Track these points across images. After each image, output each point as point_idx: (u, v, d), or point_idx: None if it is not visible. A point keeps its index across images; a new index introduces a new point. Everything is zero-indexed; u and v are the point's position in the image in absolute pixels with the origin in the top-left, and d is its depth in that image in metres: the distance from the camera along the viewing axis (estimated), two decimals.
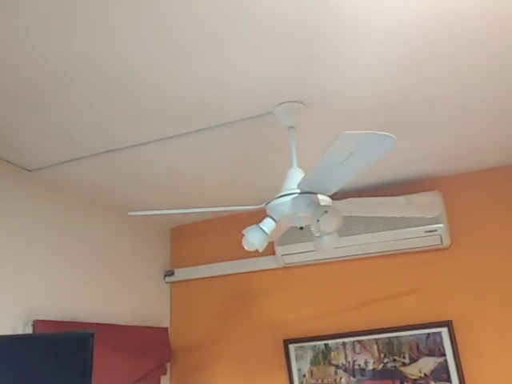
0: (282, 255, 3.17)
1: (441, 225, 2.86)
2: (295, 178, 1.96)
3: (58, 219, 2.75)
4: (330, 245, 2.02)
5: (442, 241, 2.91)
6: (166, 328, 3.41)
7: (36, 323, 2.34)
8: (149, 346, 3.14)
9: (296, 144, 2.06)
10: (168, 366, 3.36)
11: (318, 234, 2.03)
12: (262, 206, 1.96)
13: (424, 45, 1.76)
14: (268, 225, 1.93)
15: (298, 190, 1.86)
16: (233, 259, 3.44)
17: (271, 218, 1.95)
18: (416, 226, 2.89)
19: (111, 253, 3.10)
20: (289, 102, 2.06)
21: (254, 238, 1.91)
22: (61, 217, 2.77)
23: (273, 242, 3.13)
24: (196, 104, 2.03)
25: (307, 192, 1.85)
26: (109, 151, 2.44)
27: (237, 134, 2.29)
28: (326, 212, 1.75)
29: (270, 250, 3.18)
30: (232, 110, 2.10)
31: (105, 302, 2.96)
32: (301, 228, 1.97)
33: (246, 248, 1.96)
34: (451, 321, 2.83)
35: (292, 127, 2.08)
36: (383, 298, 3.03)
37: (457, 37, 1.72)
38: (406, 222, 2.91)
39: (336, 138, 1.44)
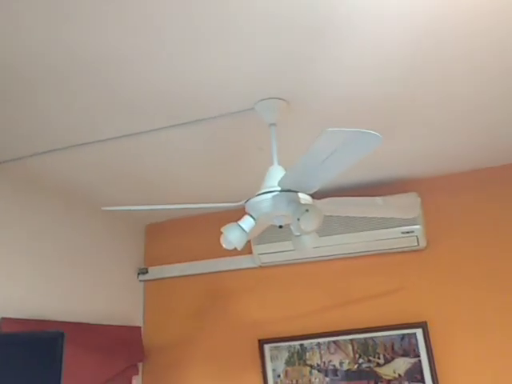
0: (259, 254, 3.14)
1: (417, 226, 2.87)
2: (275, 175, 1.93)
3: (28, 214, 2.66)
4: (309, 244, 2.00)
5: (418, 242, 2.92)
6: (139, 327, 3.34)
7: (3, 321, 2.25)
8: (120, 345, 3.07)
9: (277, 141, 2.02)
10: (140, 366, 3.29)
11: (298, 233, 2.00)
12: (241, 203, 1.93)
13: (415, 50, 1.76)
14: (247, 223, 1.89)
15: (279, 188, 1.82)
16: (208, 258, 3.39)
17: (250, 215, 1.91)
18: (393, 227, 2.90)
19: (83, 250, 3.02)
20: (270, 98, 2.02)
21: (232, 237, 1.87)
22: (30, 212, 2.68)
23: (250, 241, 3.10)
24: (176, 98, 1.98)
25: (288, 190, 1.82)
26: (83, 144, 2.36)
27: (217, 129, 2.25)
28: (306, 211, 1.73)
29: (246, 249, 3.13)
30: (212, 105, 2.06)
31: (76, 299, 2.87)
32: (280, 227, 1.94)
33: (224, 246, 1.92)
34: (426, 322, 2.84)
35: (273, 124, 2.05)
36: (359, 298, 3.03)
37: (447, 42, 1.72)
38: (383, 223, 2.91)
39: (320, 135, 1.41)
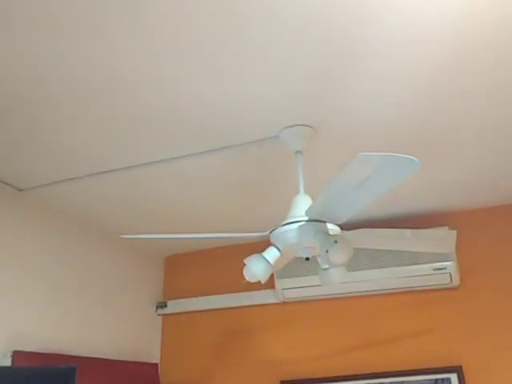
0: (282, 289, 3.00)
1: (450, 262, 2.71)
2: (302, 204, 1.84)
3: (46, 242, 2.60)
4: (338, 278, 1.88)
5: (451, 279, 2.76)
6: (156, 364, 3.20)
7: (15, 354, 2.16)
8: (136, 382, 2.93)
9: (303, 169, 1.94)
10: None
11: (326, 266, 1.89)
12: (266, 233, 1.83)
13: (449, 77, 1.68)
14: (271, 254, 1.79)
15: (306, 218, 1.72)
16: (229, 292, 3.27)
17: (275, 246, 1.81)
18: (424, 263, 2.75)
19: (100, 281, 2.94)
20: (296, 125, 1.95)
21: (256, 269, 1.76)
22: (49, 240, 2.62)
23: (273, 275, 2.97)
24: (198, 125, 1.93)
25: (315, 220, 1.71)
26: (103, 172, 2.32)
27: (240, 158, 2.18)
28: (335, 242, 1.62)
29: (269, 283, 3.01)
30: (236, 133, 2.00)
31: (90, 333, 2.77)
32: (307, 259, 1.83)
33: (247, 279, 1.81)
34: (461, 366, 2.65)
35: (299, 152, 1.97)
36: (388, 339, 2.85)
37: (478, 72, 1.64)
38: (414, 259, 2.76)
39: (353, 160, 1.32)
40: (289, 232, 1.74)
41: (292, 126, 1.96)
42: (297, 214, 1.79)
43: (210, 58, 1.56)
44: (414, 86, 1.74)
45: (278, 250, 1.80)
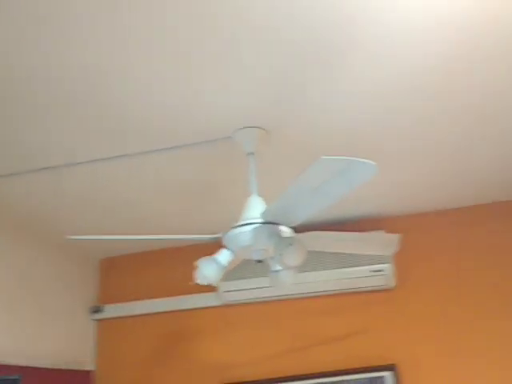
0: (224, 292, 2.98)
1: (387, 265, 2.83)
2: (255, 206, 1.84)
3: None
4: (288, 280, 1.89)
5: (387, 281, 2.87)
6: (89, 372, 3.06)
7: None
8: None
9: (255, 171, 1.94)
10: None
11: (276, 268, 1.90)
12: (219, 235, 1.81)
13: (406, 88, 1.75)
14: (224, 256, 1.78)
15: (260, 220, 1.72)
16: (169, 296, 3.20)
17: (228, 249, 1.79)
18: (362, 265, 2.84)
19: (30, 284, 2.77)
20: (249, 127, 1.95)
21: (207, 271, 1.74)
22: None
23: None
24: (152, 123, 1.88)
25: (269, 222, 1.72)
26: (43, 169, 2.19)
27: (192, 157, 2.15)
28: (290, 244, 1.63)
29: (209, 286, 2.99)
30: (189, 132, 1.96)
31: (19, 340, 2.61)
32: (259, 261, 1.82)
33: (198, 281, 1.78)
34: (395, 365, 2.76)
35: (251, 153, 1.97)
36: (327, 339, 2.92)
37: (441, 80, 1.72)
38: (352, 261, 2.85)
39: (312, 163, 1.33)
40: (242, 234, 1.73)
41: (245, 128, 1.95)
42: (250, 215, 1.79)
43: (165, 57, 1.53)
44: (369, 98, 1.81)
45: (231, 252, 1.79)
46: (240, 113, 1.87)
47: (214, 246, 3.13)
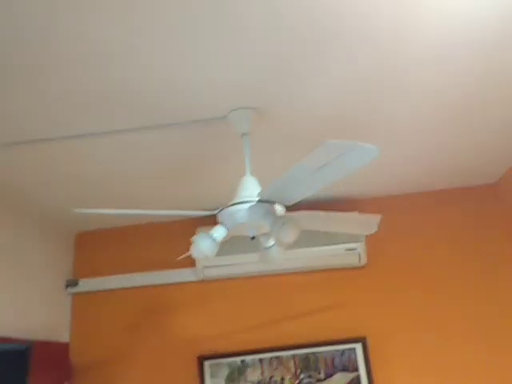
0: (204, 268, 3.06)
1: (360, 243, 2.98)
2: (249, 185, 1.91)
3: None
4: (278, 256, 1.99)
5: (359, 259, 3.03)
6: (66, 343, 3.08)
7: None
8: (46, 363, 2.80)
9: (249, 151, 2.00)
10: None
11: (267, 245, 1.99)
12: (215, 212, 1.87)
13: (384, 76, 1.83)
14: (219, 232, 1.84)
15: (256, 198, 1.80)
16: (146, 271, 3.24)
17: (223, 225, 1.86)
18: (338, 243, 2.99)
19: (7, 258, 2.74)
20: (244, 108, 2.00)
21: (204, 246, 1.80)
22: None
23: None
24: (147, 99, 1.89)
25: (265, 201, 1.80)
26: (24, 142, 2.16)
27: (185, 136, 2.17)
28: (284, 223, 1.72)
29: (187, 261, 3.05)
30: (184, 111, 1.99)
31: (1, 312, 2.59)
32: (252, 238, 1.91)
33: (193, 256, 1.84)
34: (365, 337, 2.93)
35: (246, 134, 2.03)
36: (301, 314, 3.05)
37: (416, 66, 1.82)
38: (328, 240, 2.99)
39: (318, 146, 1.41)
40: (239, 212, 1.80)
41: (239, 109, 2.00)
42: (245, 194, 1.86)
43: (165, 35, 1.54)
44: (359, 87, 1.89)
45: (226, 228, 1.85)
46: (235, 93, 1.91)
47: (191, 224, 3.21)
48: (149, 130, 2.05)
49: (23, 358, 1.70)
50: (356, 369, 2.90)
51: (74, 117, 1.96)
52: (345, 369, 2.91)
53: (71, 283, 3.25)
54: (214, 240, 1.81)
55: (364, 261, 3.05)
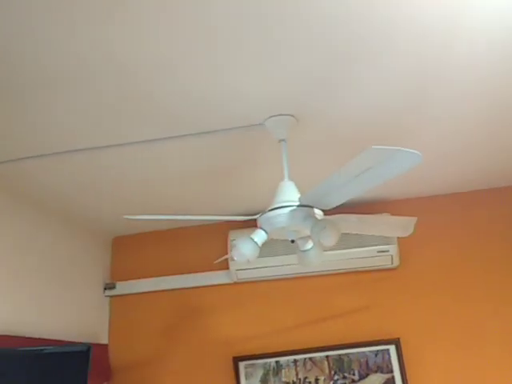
0: (237, 270, 3.12)
1: (393, 245, 3.00)
2: (287, 190, 1.96)
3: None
4: (316, 259, 2.03)
5: (392, 261, 3.05)
6: (106, 345, 3.18)
7: None
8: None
9: (287, 157, 2.05)
10: None
11: (305, 248, 2.03)
12: (256, 216, 1.92)
13: (416, 86, 1.87)
14: (259, 236, 1.89)
15: (296, 203, 1.85)
16: (180, 273, 3.32)
17: (263, 229, 1.91)
18: (369, 245, 3.01)
19: (46, 261, 2.84)
20: (281, 115, 2.05)
21: (245, 249, 1.85)
22: (3, 221, 2.50)
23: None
24: (184, 108, 1.94)
25: (305, 205, 1.84)
26: (71, 151, 2.25)
27: (220, 144, 2.24)
28: (325, 227, 1.76)
29: (221, 264, 3.12)
30: (220, 119, 2.05)
31: (38, 314, 2.69)
32: (292, 241, 1.96)
33: (235, 259, 1.90)
34: (399, 338, 2.95)
35: (283, 140, 2.08)
36: (334, 315, 3.09)
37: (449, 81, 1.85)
38: (360, 242, 3.01)
39: (361, 152, 1.46)
40: (279, 216, 1.85)
41: (276, 116, 2.05)
42: (284, 199, 1.91)
43: (202, 48, 1.59)
44: (393, 94, 1.93)
45: (266, 232, 1.91)
46: (272, 102, 1.96)
47: (222, 227, 3.27)
48: (189, 137, 2.12)
49: (82, 359, 1.78)
50: (390, 370, 2.92)
51: (115, 127, 2.04)
52: (379, 370, 2.94)
53: (109, 286, 3.35)
54: (255, 243, 1.87)
55: (397, 262, 3.07)
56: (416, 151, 1.43)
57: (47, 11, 1.39)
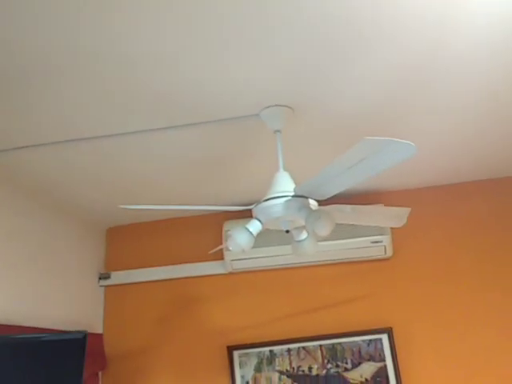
0: (232, 260, 3.14)
1: (386, 236, 3.02)
2: (283, 181, 1.97)
3: None
4: (311, 249, 2.05)
5: (385, 251, 3.07)
6: (100, 334, 3.20)
7: None
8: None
9: (282, 148, 2.06)
10: (100, 374, 3.15)
11: (300, 238, 2.05)
12: (251, 207, 1.94)
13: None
14: (255, 226, 1.91)
15: (291, 193, 1.86)
16: (175, 263, 3.33)
17: (257, 219, 1.93)
18: (363, 236, 3.03)
19: (41, 251, 2.85)
20: (277, 105, 2.06)
21: (241, 239, 1.87)
22: None
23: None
24: (178, 98, 1.94)
25: (299, 196, 1.86)
26: (68, 141, 2.25)
27: (217, 133, 2.24)
28: (320, 217, 1.78)
29: (216, 254, 3.14)
30: (215, 109, 2.05)
31: (32, 304, 2.70)
32: (287, 231, 1.97)
33: (230, 249, 1.91)
34: (391, 328, 2.99)
35: (278, 131, 2.08)
36: (328, 305, 3.12)
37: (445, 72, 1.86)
38: (354, 233, 3.03)
39: (356, 143, 1.47)
40: (275, 206, 1.87)
41: (272, 107, 2.06)
42: (279, 189, 1.92)
43: (198, 38, 1.59)
44: (388, 85, 1.94)
45: (261, 222, 1.92)
46: (267, 92, 1.96)
47: (217, 217, 3.29)
48: (184, 127, 2.12)
49: (78, 346, 1.80)
50: (383, 359, 2.96)
51: (110, 116, 2.04)
52: (371, 359, 2.97)
53: (104, 276, 3.36)
54: (250, 234, 1.88)
55: (390, 253, 3.10)
56: (410, 142, 1.44)
57: (50, 3, 1.38)
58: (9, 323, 2.40)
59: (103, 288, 3.38)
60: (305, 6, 1.51)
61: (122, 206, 1.84)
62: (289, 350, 3.06)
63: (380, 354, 2.97)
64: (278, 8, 1.50)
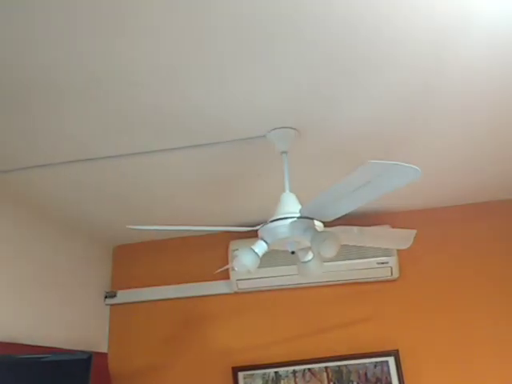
0: (237, 280, 3.14)
1: (392, 257, 3.02)
2: (289, 202, 1.99)
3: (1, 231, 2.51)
4: (316, 270, 2.05)
5: (391, 273, 3.06)
6: (105, 354, 3.19)
7: None
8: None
9: (288, 169, 2.08)
10: None
11: (305, 259, 2.05)
12: (257, 227, 1.95)
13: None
14: (260, 247, 1.91)
15: (297, 214, 1.87)
16: (180, 283, 3.34)
17: (263, 240, 1.94)
18: (369, 257, 3.03)
19: (47, 270, 2.86)
20: (284, 127, 2.09)
21: (246, 260, 1.88)
22: (5, 229, 2.53)
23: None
24: (187, 120, 1.97)
25: (305, 217, 1.87)
26: (77, 161, 2.29)
27: (221, 155, 2.27)
28: (326, 238, 1.79)
29: (221, 274, 3.14)
30: (222, 131, 2.08)
31: (38, 322, 2.70)
32: (292, 252, 1.98)
33: (236, 269, 1.92)
34: (398, 350, 2.96)
35: (285, 152, 2.11)
36: (334, 326, 3.10)
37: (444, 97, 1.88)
38: (360, 253, 3.04)
39: (360, 166, 1.49)
40: (280, 227, 1.88)
41: (278, 128, 2.09)
42: (285, 210, 1.93)
43: (206, 60, 1.62)
44: (393, 106, 1.96)
45: (266, 243, 1.93)
46: (274, 115, 1.99)
47: (224, 237, 3.30)
48: (192, 148, 2.15)
49: (83, 367, 1.80)
50: (389, 382, 2.92)
51: (119, 137, 2.07)
52: (378, 381, 2.94)
53: (110, 295, 3.37)
54: (256, 254, 1.89)
55: (396, 274, 3.09)
56: (414, 166, 1.46)
57: (54, 24, 1.42)
58: (13, 341, 2.41)
59: (109, 307, 3.38)
60: (312, 34, 1.54)
61: (130, 227, 1.86)
62: (294, 372, 3.03)
63: (386, 377, 2.94)
64: (285, 33, 1.53)
